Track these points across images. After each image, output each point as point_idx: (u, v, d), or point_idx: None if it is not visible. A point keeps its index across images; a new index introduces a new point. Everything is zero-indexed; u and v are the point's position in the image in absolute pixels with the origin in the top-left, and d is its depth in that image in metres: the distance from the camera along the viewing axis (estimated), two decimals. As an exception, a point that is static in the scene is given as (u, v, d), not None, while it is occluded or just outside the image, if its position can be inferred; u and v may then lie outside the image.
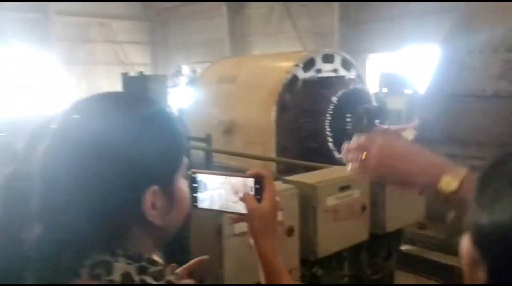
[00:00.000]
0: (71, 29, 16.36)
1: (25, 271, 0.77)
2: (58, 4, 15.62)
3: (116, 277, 0.74)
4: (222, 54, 12.98)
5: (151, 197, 0.77)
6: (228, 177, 1.04)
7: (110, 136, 0.75)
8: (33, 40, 14.76)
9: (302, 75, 5.98)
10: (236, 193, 1.02)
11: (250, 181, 1.01)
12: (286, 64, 6.11)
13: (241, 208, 1.02)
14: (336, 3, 12.59)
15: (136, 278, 0.75)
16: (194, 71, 13.07)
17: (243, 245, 1.96)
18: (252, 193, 1.01)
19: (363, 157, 0.97)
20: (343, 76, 6.15)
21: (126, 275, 0.75)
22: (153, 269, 0.77)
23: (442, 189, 0.88)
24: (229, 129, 6.35)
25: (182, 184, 0.87)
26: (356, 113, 5.30)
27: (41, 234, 0.75)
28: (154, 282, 0.77)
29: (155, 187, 0.78)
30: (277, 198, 1.03)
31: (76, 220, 0.73)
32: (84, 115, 0.78)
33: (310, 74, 6.05)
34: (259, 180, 1.01)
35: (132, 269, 0.75)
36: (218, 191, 1.04)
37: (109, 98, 0.85)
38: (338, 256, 2.70)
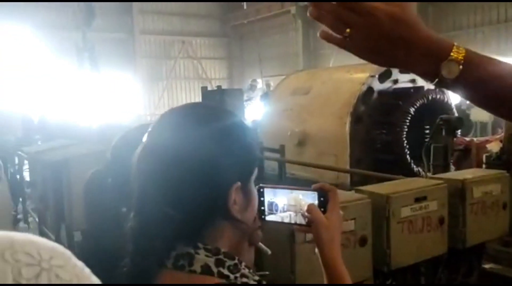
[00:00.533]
0: (155, 47, 17.40)
1: (115, 260, 0.87)
2: (143, 24, 16.72)
3: (197, 268, 0.81)
4: (296, 67, 13.09)
5: (234, 193, 0.85)
6: (293, 190, 1.09)
7: (197, 142, 0.84)
8: (120, 58, 15.90)
9: (377, 86, 5.89)
10: (301, 205, 1.07)
11: (315, 194, 1.07)
12: (361, 75, 6.05)
13: (306, 220, 1.06)
14: (414, 12, 12.21)
15: (215, 270, 0.81)
16: (267, 85, 13.30)
17: (315, 251, 1.98)
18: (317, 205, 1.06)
19: (347, 34, 0.76)
20: (421, 87, 5.96)
21: (205, 267, 0.81)
22: (229, 262, 0.83)
23: (444, 77, 0.78)
24: (302, 141, 6.38)
25: (254, 187, 0.94)
26: (435, 125, 5.11)
27: (137, 227, 0.85)
28: (231, 275, 0.82)
29: (238, 184, 0.85)
30: (341, 212, 1.08)
31: (169, 215, 0.81)
32: (173, 124, 0.88)
33: (386, 85, 5.93)
34: (323, 194, 1.06)
35: (211, 261, 0.82)
36: (284, 206, 1.09)
37: (193, 110, 0.95)
38: (414, 270, 2.61)
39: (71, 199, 2.15)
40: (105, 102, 11.71)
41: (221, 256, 0.83)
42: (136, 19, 16.57)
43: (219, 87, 6.82)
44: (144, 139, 0.89)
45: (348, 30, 0.76)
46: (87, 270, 0.46)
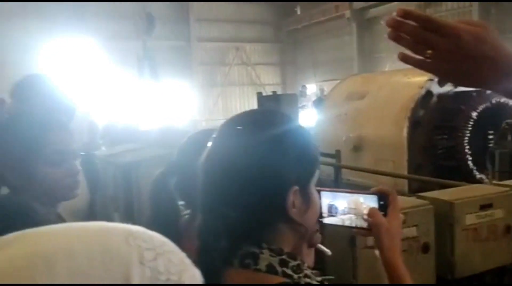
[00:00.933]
0: (210, 54, 17.81)
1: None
2: (199, 31, 17.17)
3: (262, 267, 0.85)
4: (351, 72, 12.94)
5: (292, 196, 0.88)
6: (352, 194, 1.11)
7: (256, 146, 0.89)
8: (178, 65, 16.42)
9: (437, 89, 5.73)
10: (361, 208, 1.09)
11: (374, 198, 1.08)
12: (419, 79, 5.90)
13: (366, 223, 1.08)
14: (476, 13, 11.74)
15: (279, 270, 0.85)
16: (321, 90, 13.23)
17: (377, 256, 1.98)
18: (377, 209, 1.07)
19: (428, 55, 0.75)
20: (484, 90, 5.74)
21: (270, 266, 0.85)
22: (292, 263, 0.86)
23: None
24: (358, 146, 6.31)
25: (315, 191, 0.96)
26: (499, 130, 4.90)
27: (202, 224, 0.90)
28: (295, 275, 0.85)
29: (296, 188, 0.89)
30: (401, 215, 1.09)
31: (231, 216, 0.87)
32: (234, 130, 0.93)
33: (446, 88, 5.76)
34: (383, 197, 1.08)
35: (275, 261, 0.85)
36: (344, 208, 1.11)
37: (252, 116, 1.00)
38: (479, 279, 2.54)
39: (140, 200, 2.29)
40: (163, 107, 12.14)
41: (284, 257, 0.86)
42: (193, 27, 17.06)
43: (274, 92, 6.89)
44: (209, 144, 0.94)
45: (429, 51, 0.75)
46: (188, 260, 0.51)
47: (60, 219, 1.48)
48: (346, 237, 1.99)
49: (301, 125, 0.98)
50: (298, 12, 17.81)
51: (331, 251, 1.16)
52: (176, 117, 13.93)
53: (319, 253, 1.09)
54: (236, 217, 0.86)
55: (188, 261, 0.50)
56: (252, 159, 0.87)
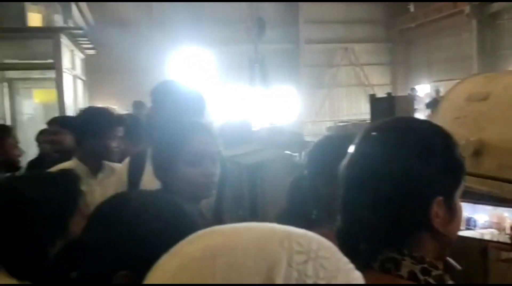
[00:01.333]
0: (318, 56, 17.78)
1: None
2: (308, 33, 17.24)
3: (404, 273, 0.85)
4: (469, 71, 12.04)
5: (436, 207, 0.88)
6: (495, 207, 1.08)
7: (399, 155, 0.89)
8: (285, 67, 16.65)
9: None
10: (504, 223, 1.05)
11: None
12: (554, 79, 5.33)
13: (509, 238, 1.04)
14: None
15: (421, 278, 0.85)
16: (437, 91, 12.52)
17: (510, 271, 1.86)
18: None
19: None
20: None
21: (411, 273, 0.85)
22: (435, 272, 0.86)
23: None
24: (478, 151, 5.87)
25: (460, 203, 0.94)
26: None
27: (343, 227, 0.94)
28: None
29: (440, 198, 0.88)
30: None
31: (373, 220, 0.88)
32: (377, 138, 0.94)
33: None
34: None
35: (416, 268, 0.85)
36: (485, 222, 1.06)
37: (395, 124, 1.00)
38: None
39: (265, 199, 2.41)
40: (271, 108, 12.41)
41: (426, 265, 0.86)
42: (302, 29, 17.19)
43: (388, 94, 6.67)
44: (351, 150, 0.96)
45: None
46: (350, 265, 0.52)
47: (202, 216, 1.61)
48: (476, 249, 1.89)
49: (447, 133, 0.96)
50: (412, 10, 17.01)
51: (460, 262, 1.12)
52: (283, 118, 14.14)
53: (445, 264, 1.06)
54: (378, 223, 0.88)
55: (347, 268, 0.52)
56: (396, 168, 0.88)
